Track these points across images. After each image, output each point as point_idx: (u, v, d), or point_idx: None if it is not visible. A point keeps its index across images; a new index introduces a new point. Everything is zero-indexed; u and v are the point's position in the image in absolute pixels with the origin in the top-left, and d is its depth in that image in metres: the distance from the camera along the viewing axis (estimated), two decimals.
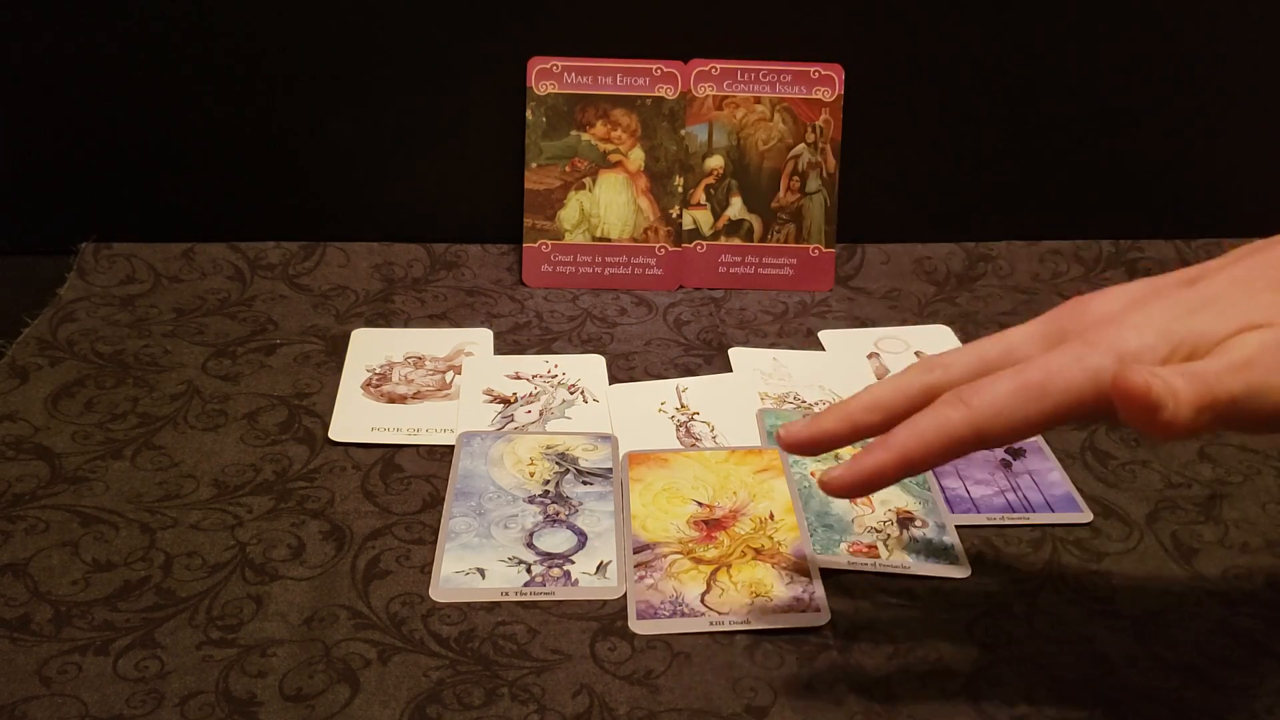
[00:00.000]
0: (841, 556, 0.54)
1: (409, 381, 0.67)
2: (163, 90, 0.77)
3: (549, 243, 0.79)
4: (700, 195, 0.79)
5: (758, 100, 0.79)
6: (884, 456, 0.40)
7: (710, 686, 0.46)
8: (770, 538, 0.54)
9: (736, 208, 0.80)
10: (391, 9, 0.76)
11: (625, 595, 0.51)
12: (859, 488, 0.42)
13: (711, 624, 0.49)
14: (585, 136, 0.78)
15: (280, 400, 0.65)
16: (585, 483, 0.58)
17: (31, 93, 0.77)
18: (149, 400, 0.64)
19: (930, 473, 0.60)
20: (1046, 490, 0.59)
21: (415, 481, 0.59)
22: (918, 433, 0.40)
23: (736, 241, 0.80)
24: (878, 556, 0.54)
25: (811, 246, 0.80)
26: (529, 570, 0.52)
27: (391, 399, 0.65)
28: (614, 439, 0.62)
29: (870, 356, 0.72)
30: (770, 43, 0.78)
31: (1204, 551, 0.55)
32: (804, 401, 0.66)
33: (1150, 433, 0.36)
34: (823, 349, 0.73)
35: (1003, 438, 0.40)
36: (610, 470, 0.59)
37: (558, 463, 0.60)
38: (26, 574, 0.51)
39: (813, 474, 0.59)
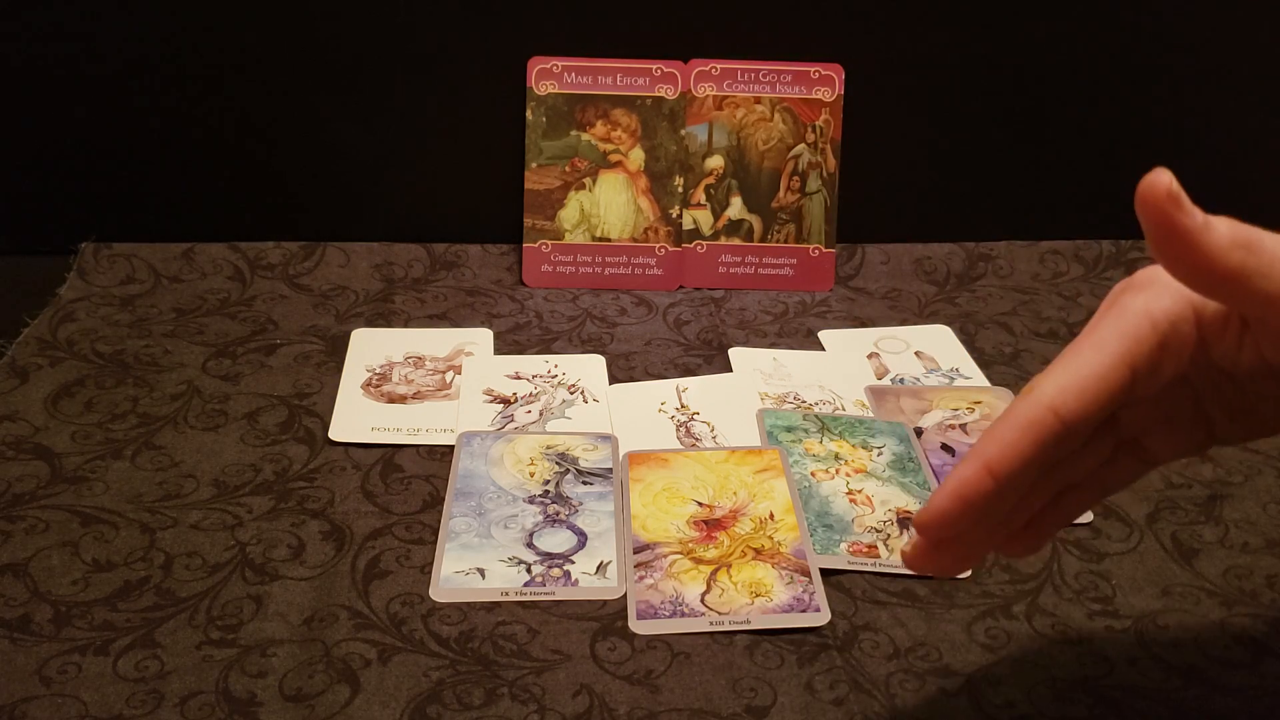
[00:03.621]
0: (841, 556, 0.54)
1: (409, 381, 0.67)
2: (163, 91, 0.77)
3: (549, 243, 0.79)
4: (700, 195, 0.79)
5: (758, 100, 0.79)
6: (964, 468, 0.35)
7: (710, 686, 0.46)
8: (770, 538, 0.54)
9: (736, 208, 0.80)
10: (391, 9, 0.76)
11: (625, 595, 0.51)
12: (950, 517, 0.35)
13: (711, 624, 0.49)
14: (585, 136, 0.78)
15: (280, 400, 0.65)
16: (585, 483, 0.58)
17: (32, 93, 0.77)
18: (149, 400, 0.64)
19: (931, 472, 0.60)
20: None
21: (415, 481, 0.59)
22: (995, 434, 0.35)
23: (736, 241, 0.80)
24: (878, 556, 0.54)
25: (811, 246, 0.80)
26: (529, 570, 0.52)
27: (391, 399, 0.65)
28: (614, 439, 0.62)
29: (870, 356, 0.72)
30: (770, 43, 0.78)
31: (1204, 551, 0.55)
32: (804, 401, 0.66)
33: (1177, 255, 0.32)
34: (823, 349, 0.73)
35: (1081, 410, 0.34)
36: (610, 470, 0.59)
37: (558, 463, 0.60)
38: (26, 574, 0.51)
39: (813, 474, 0.59)
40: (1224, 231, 0.32)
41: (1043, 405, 0.34)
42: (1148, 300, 0.36)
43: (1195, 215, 0.32)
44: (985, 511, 0.35)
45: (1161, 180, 0.32)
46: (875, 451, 0.61)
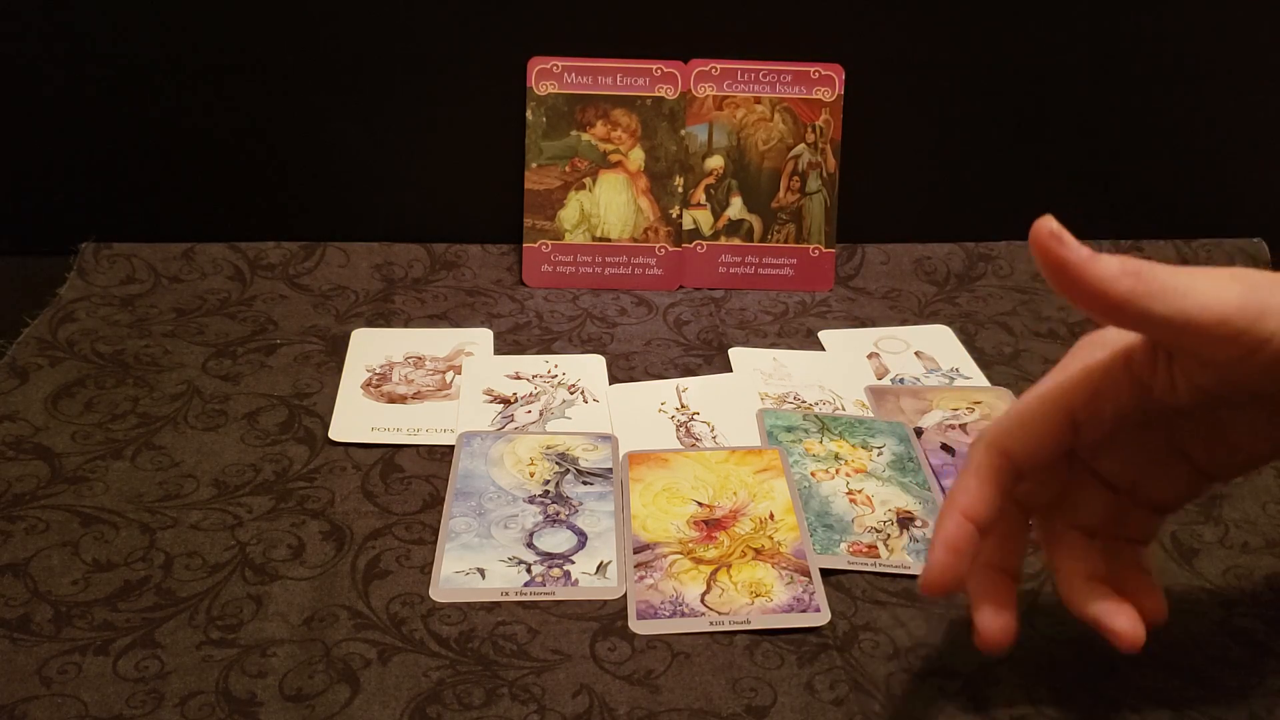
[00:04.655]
0: (841, 556, 0.54)
1: (409, 381, 0.67)
2: (163, 91, 0.77)
3: (549, 243, 0.79)
4: (700, 195, 0.79)
5: (758, 100, 0.79)
6: (947, 523, 0.41)
7: (710, 686, 0.46)
8: (770, 538, 0.54)
9: (736, 208, 0.80)
10: (391, 9, 0.76)
11: (625, 595, 0.51)
12: (951, 570, 0.40)
13: (711, 624, 0.49)
14: (585, 136, 0.78)
15: (280, 400, 0.65)
16: (585, 483, 0.58)
17: (32, 93, 0.77)
18: (149, 400, 0.64)
19: (930, 473, 0.60)
20: None
21: (415, 481, 0.59)
22: (962, 484, 0.41)
23: (736, 241, 0.80)
24: (878, 556, 0.54)
25: (811, 246, 0.80)
26: (529, 570, 0.52)
27: (391, 399, 0.65)
28: (614, 439, 0.62)
29: (870, 356, 0.72)
30: (770, 43, 0.78)
31: (1204, 551, 0.55)
32: (804, 401, 0.66)
33: (1069, 284, 0.38)
34: (823, 349, 0.73)
35: (1025, 449, 0.41)
36: (610, 470, 0.59)
37: (558, 463, 0.60)
38: (26, 574, 0.51)
39: (813, 474, 0.59)
40: (1112, 262, 0.37)
41: (995, 449, 0.41)
42: (1084, 355, 0.42)
43: (1080, 250, 0.37)
44: (975, 551, 0.41)
45: (1046, 223, 0.37)
46: (875, 451, 0.61)
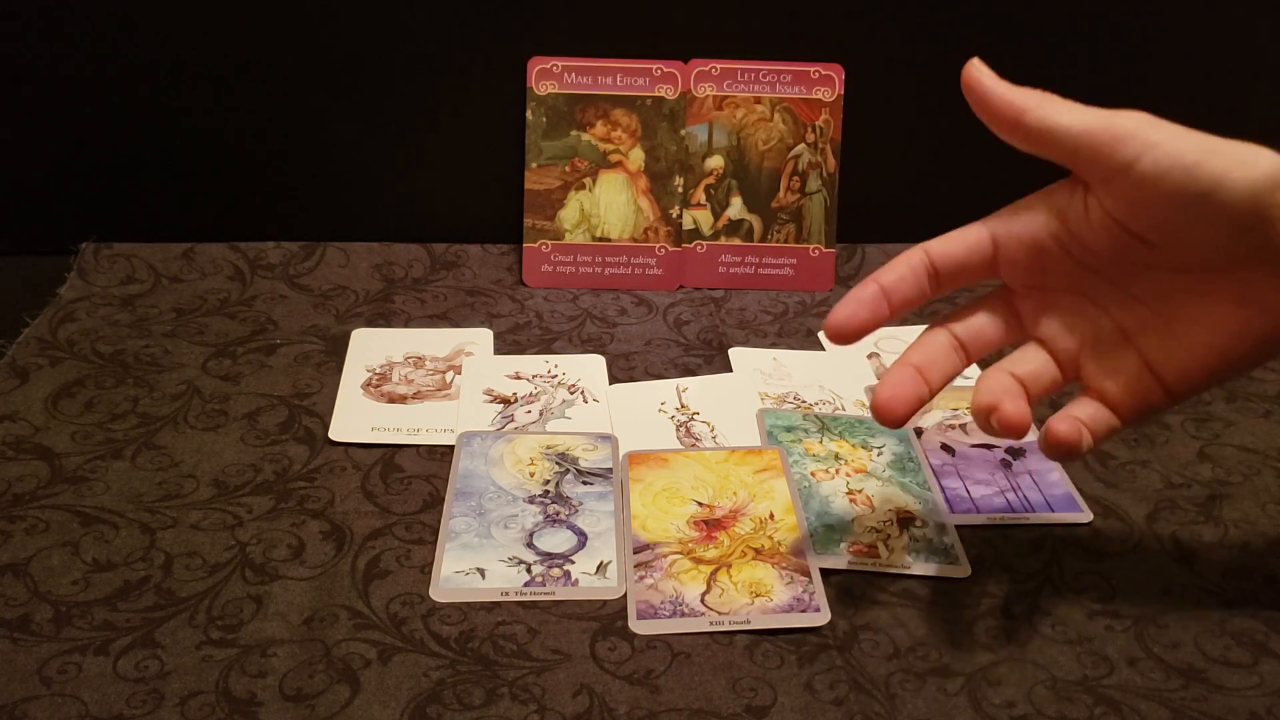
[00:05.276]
0: (841, 556, 0.54)
1: (409, 381, 0.67)
2: (163, 90, 0.77)
3: (549, 243, 0.79)
4: (700, 195, 0.79)
5: (758, 100, 0.79)
6: (862, 288, 0.46)
7: (710, 686, 0.46)
8: (770, 538, 0.54)
9: (736, 208, 0.80)
10: (391, 9, 0.76)
11: (625, 595, 0.51)
12: (853, 311, 0.46)
13: (711, 624, 0.49)
14: (585, 136, 0.78)
15: (280, 400, 0.65)
16: (585, 483, 0.58)
17: (32, 93, 0.77)
18: (149, 400, 0.64)
19: (931, 473, 0.60)
20: (1046, 490, 0.59)
21: (415, 481, 0.59)
22: (887, 265, 0.47)
23: (736, 241, 0.80)
24: (878, 556, 0.54)
25: (811, 246, 0.80)
26: (529, 570, 0.52)
27: (391, 399, 0.65)
28: (614, 439, 0.62)
29: (870, 356, 0.72)
30: (770, 43, 0.78)
31: (1204, 551, 0.55)
32: (804, 401, 0.66)
33: (983, 98, 0.45)
34: (823, 349, 0.73)
35: (942, 250, 0.47)
36: (610, 470, 0.59)
37: (558, 463, 0.60)
38: (26, 574, 0.51)
39: (813, 474, 0.59)
40: (1020, 88, 0.45)
41: (918, 247, 0.48)
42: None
43: (999, 80, 0.45)
44: (880, 314, 0.46)
45: (975, 65, 0.45)
46: (875, 451, 0.61)
